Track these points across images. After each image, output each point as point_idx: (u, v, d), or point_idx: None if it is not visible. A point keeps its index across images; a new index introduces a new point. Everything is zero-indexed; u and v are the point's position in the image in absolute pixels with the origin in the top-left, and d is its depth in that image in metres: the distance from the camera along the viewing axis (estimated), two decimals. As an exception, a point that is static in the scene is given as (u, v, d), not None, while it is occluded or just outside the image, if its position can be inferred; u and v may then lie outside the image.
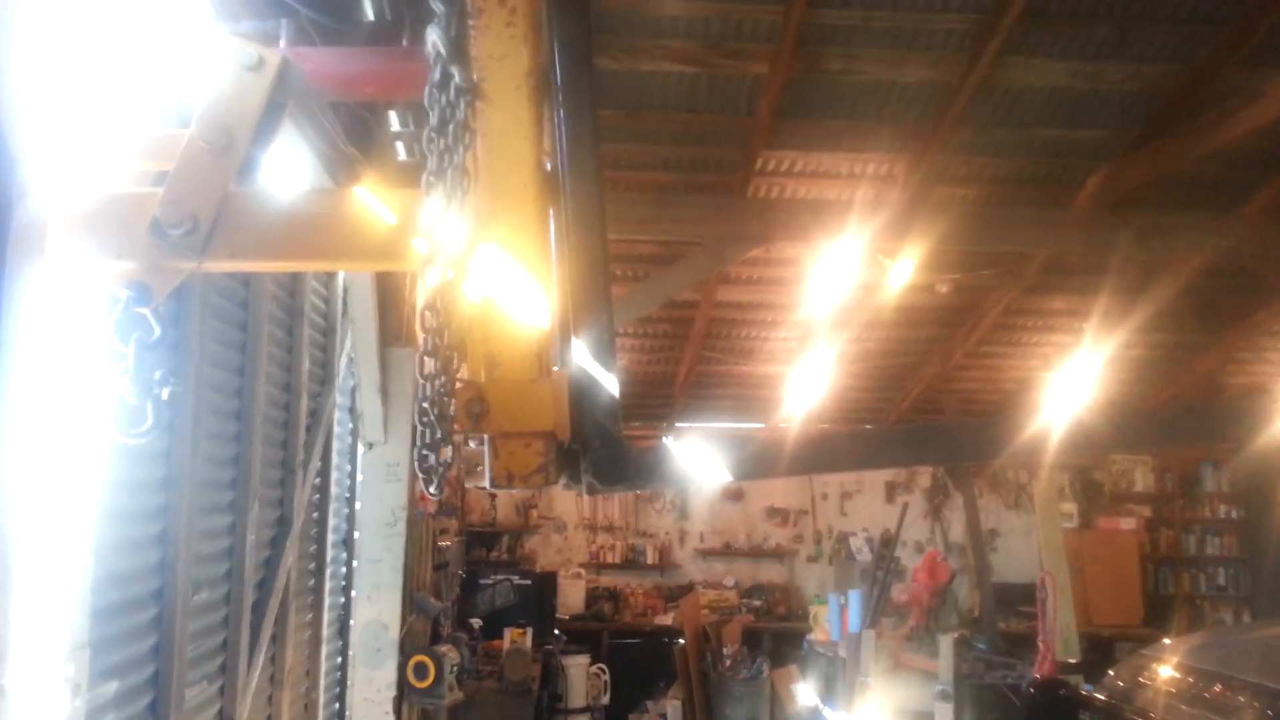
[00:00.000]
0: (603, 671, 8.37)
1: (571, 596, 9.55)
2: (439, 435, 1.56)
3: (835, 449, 2.13)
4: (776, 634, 9.09)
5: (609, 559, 10.20)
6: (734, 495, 10.50)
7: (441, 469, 1.56)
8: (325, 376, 4.64)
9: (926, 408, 9.45)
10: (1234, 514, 9.99)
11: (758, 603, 9.88)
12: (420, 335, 1.62)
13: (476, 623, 6.26)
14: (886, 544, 9.74)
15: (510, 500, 10.14)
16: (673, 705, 8.19)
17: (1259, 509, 9.67)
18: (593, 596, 9.76)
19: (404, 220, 1.80)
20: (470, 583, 7.30)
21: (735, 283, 7.39)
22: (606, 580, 10.08)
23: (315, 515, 4.49)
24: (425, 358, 1.58)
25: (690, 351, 8.34)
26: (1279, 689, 2.05)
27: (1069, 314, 7.85)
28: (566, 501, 10.33)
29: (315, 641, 4.39)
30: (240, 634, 3.26)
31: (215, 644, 3.13)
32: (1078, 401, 7.41)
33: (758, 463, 1.90)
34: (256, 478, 3.46)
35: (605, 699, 8.28)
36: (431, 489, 1.55)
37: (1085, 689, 2.49)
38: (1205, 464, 10.05)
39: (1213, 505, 10.10)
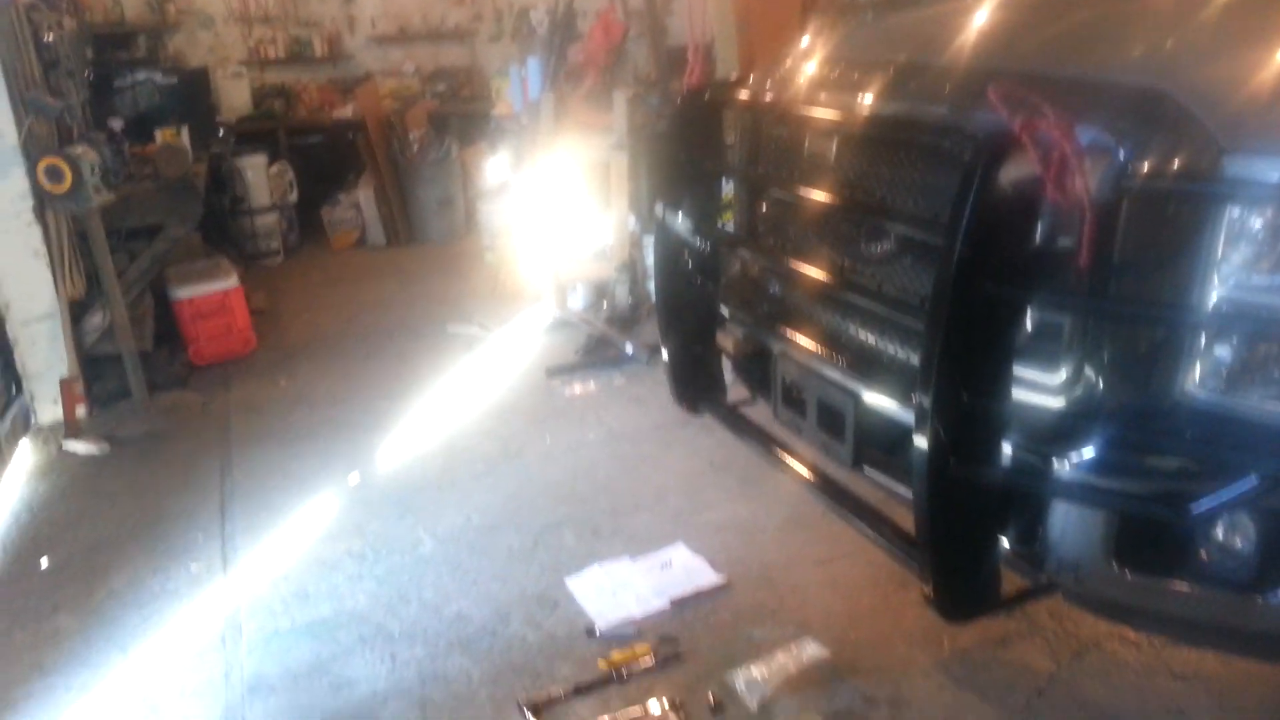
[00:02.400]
0: (286, 170, 8.06)
1: (236, 97, 8.76)
2: None
3: None
4: (463, 116, 8.99)
5: (271, 54, 9.25)
6: (404, -25, 9.59)
7: None
8: None
9: None
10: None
11: (441, 88, 9.58)
12: None
13: (117, 124, 5.60)
14: (567, 14, 9.50)
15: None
16: (365, 194, 8.17)
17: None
18: (260, 95, 9.00)
19: None
20: (104, 85, 6.40)
21: None
22: (273, 77, 9.25)
23: None
24: None
25: None
26: (904, 60, 2.23)
27: None
28: (209, -9, 8.99)
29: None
30: None
31: None
32: None
33: None
34: None
35: (293, 197, 8.09)
36: None
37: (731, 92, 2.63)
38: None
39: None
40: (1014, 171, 1.66)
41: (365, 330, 6.11)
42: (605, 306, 5.95)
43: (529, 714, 2.65)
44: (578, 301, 6.04)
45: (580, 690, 2.74)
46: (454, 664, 2.91)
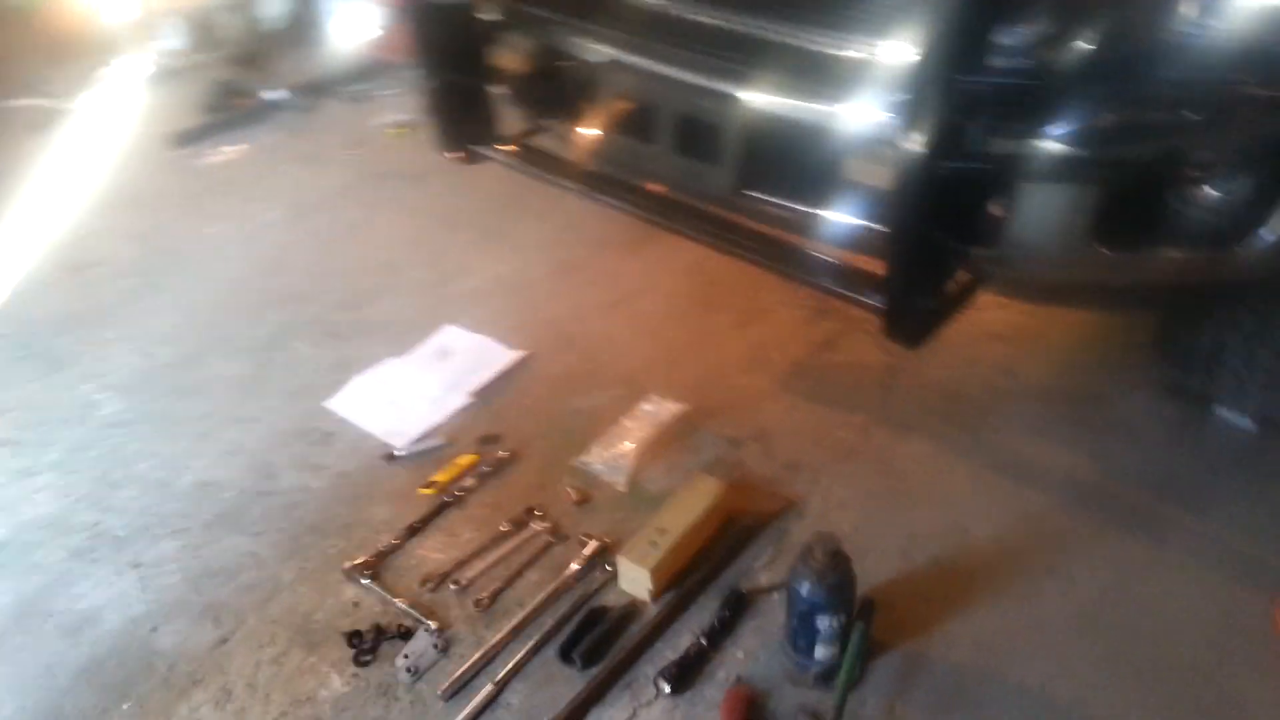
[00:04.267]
0: None
1: None
2: None
3: None
4: None
5: None
6: None
7: None
8: None
9: None
10: None
11: None
12: None
13: None
14: None
15: None
16: None
17: None
18: None
19: None
20: None
21: None
22: None
23: None
24: None
25: None
26: None
27: None
28: None
29: None
30: None
31: None
32: None
33: None
34: None
35: None
36: None
37: None
38: None
39: None
40: None
41: None
42: (220, 45, 4.65)
43: (364, 579, 2.08)
44: (175, 43, 4.65)
45: (415, 529, 2.20)
46: (226, 548, 2.20)
